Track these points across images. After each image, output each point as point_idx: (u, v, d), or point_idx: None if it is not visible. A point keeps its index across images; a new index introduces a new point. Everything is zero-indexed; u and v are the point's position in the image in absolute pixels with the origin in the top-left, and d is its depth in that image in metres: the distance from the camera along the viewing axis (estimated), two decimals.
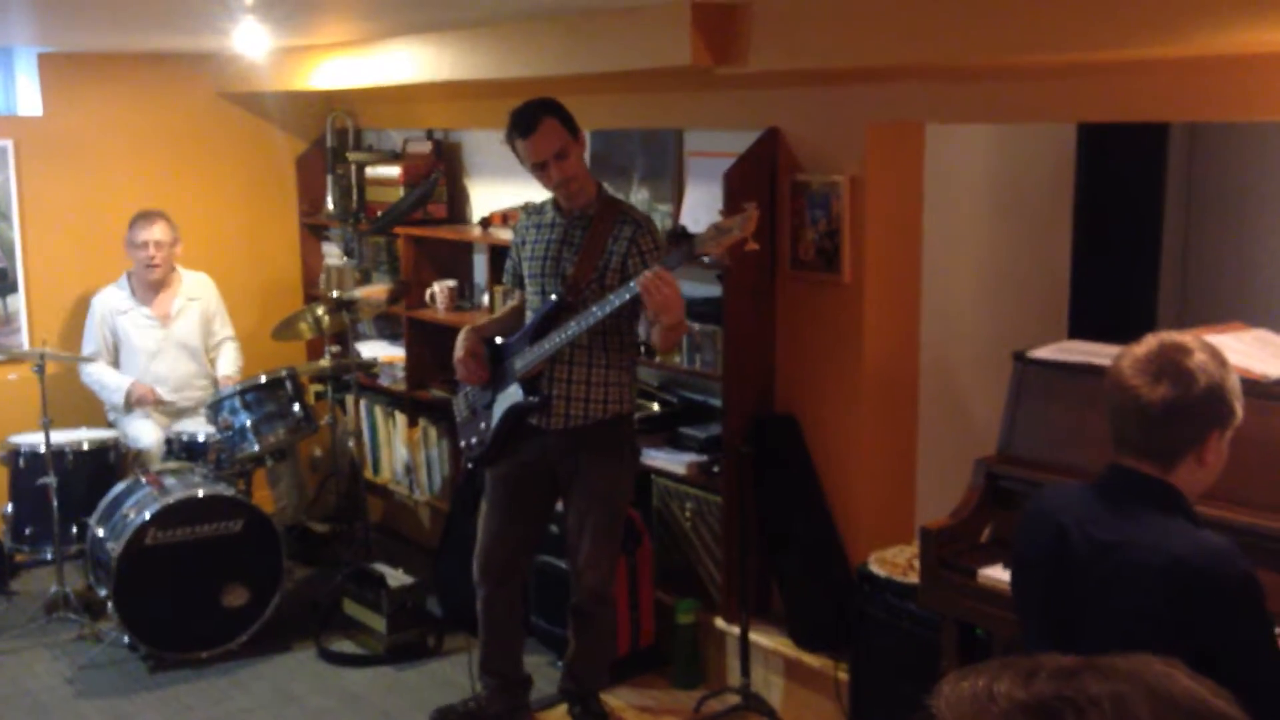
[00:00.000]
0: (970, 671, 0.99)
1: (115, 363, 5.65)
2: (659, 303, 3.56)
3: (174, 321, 5.69)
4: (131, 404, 5.51)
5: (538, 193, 4.36)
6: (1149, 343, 2.25)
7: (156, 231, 5.55)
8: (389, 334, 6.40)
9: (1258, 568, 2.20)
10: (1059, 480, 2.67)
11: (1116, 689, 0.94)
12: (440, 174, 5.94)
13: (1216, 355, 2.22)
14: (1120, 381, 2.23)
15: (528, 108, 3.83)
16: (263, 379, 5.10)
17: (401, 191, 5.87)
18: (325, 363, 5.43)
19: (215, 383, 5.70)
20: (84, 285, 5.86)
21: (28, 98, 6.09)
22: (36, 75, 5.99)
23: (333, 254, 6.62)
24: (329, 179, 6.43)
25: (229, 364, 5.82)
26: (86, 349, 5.62)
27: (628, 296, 3.68)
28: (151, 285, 5.66)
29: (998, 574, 3.14)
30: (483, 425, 4.04)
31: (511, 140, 3.86)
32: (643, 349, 4.26)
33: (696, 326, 4.37)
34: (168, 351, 5.65)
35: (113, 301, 5.65)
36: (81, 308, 5.80)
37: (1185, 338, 2.25)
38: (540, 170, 3.85)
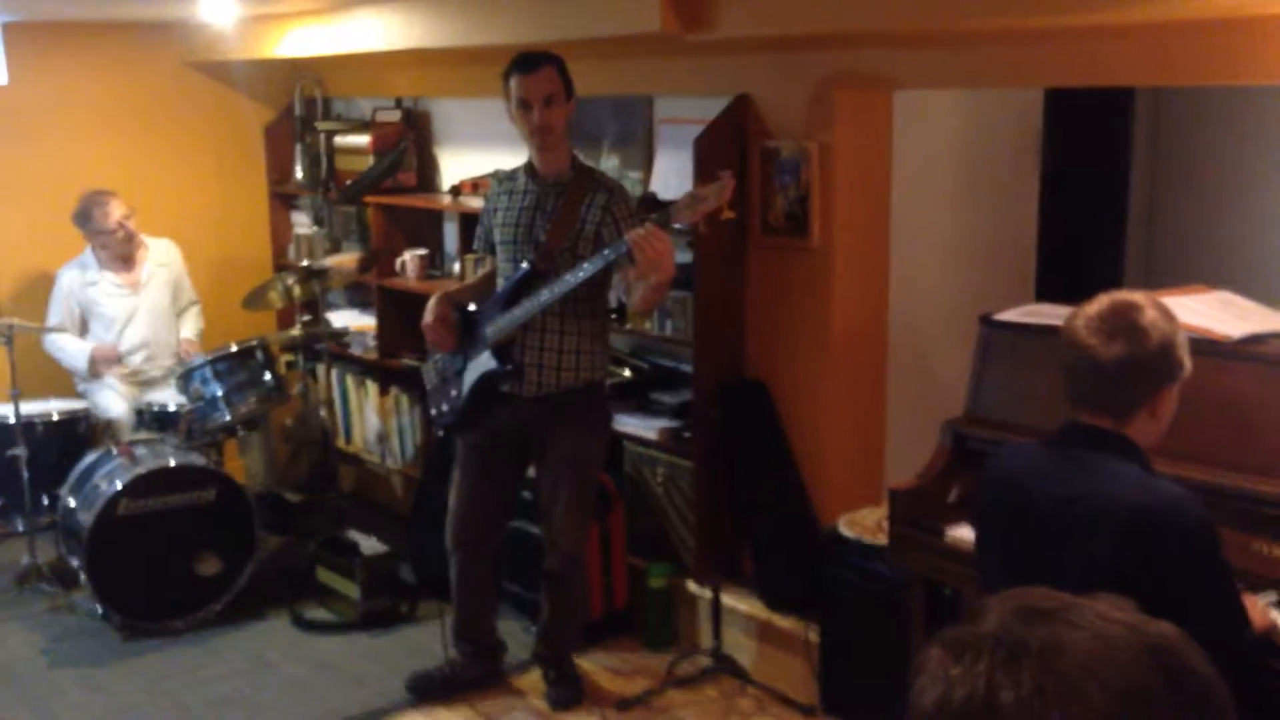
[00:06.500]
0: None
1: (81, 336, 5.61)
2: (651, 259, 3.53)
3: (144, 288, 5.66)
4: (97, 368, 5.49)
5: (507, 159, 4.36)
6: (1100, 301, 2.28)
7: (119, 209, 5.50)
8: (360, 303, 6.39)
9: (1219, 525, 2.25)
10: (1024, 440, 2.71)
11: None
12: (409, 142, 5.92)
13: (1165, 311, 2.27)
14: (1075, 340, 2.27)
15: (534, 52, 3.85)
16: (233, 348, 5.09)
17: (371, 160, 5.84)
18: (296, 332, 5.42)
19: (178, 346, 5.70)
20: (51, 255, 5.81)
21: None
22: (1, 44, 5.92)
23: (302, 223, 6.59)
24: (298, 148, 6.39)
25: (190, 327, 5.81)
26: (52, 321, 5.58)
27: (601, 264, 3.69)
28: (124, 256, 5.62)
29: (965, 533, 3.18)
30: (453, 392, 4.05)
31: (507, 76, 3.84)
32: (614, 315, 4.27)
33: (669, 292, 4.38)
34: (140, 318, 5.62)
35: (80, 274, 5.60)
36: (48, 278, 5.74)
37: (1135, 295, 2.29)
38: (524, 110, 3.83)
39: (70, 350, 5.52)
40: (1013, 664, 0.97)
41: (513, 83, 3.83)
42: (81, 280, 5.59)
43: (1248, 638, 2.29)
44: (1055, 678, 0.96)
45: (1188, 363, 2.28)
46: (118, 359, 5.53)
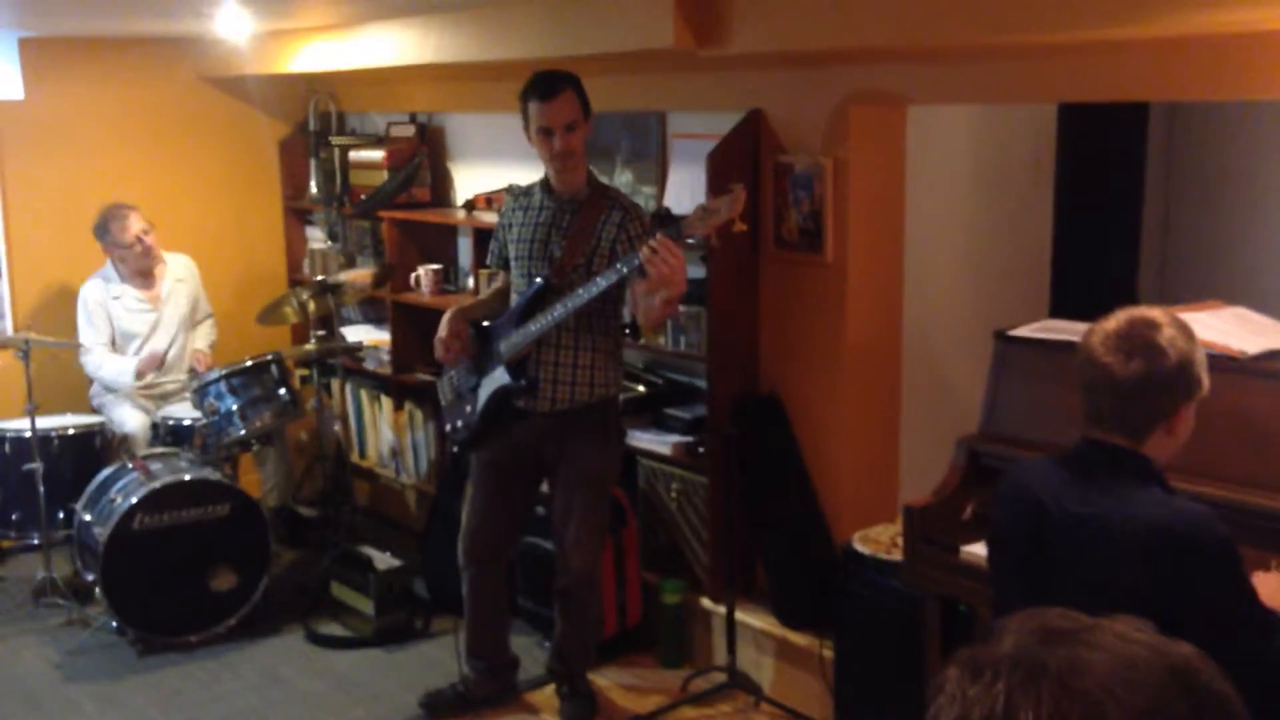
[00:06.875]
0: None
1: (112, 348, 5.61)
2: (663, 273, 3.50)
3: (165, 304, 5.67)
4: (141, 375, 5.50)
5: (521, 174, 4.37)
6: (1119, 318, 2.27)
7: (138, 223, 5.52)
8: (374, 318, 6.41)
9: (1237, 543, 2.23)
10: (1039, 457, 2.70)
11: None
12: (423, 157, 5.94)
13: (1184, 328, 2.26)
14: (1092, 357, 2.26)
15: (552, 74, 3.83)
16: (248, 363, 5.10)
17: (385, 175, 5.87)
18: (311, 347, 5.43)
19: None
20: (68, 270, 5.85)
21: (8, 82, 6.06)
22: (17, 59, 5.96)
23: (317, 238, 6.62)
24: (312, 163, 6.42)
25: (203, 339, 5.83)
26: (86, 338, 5.56)
27: (614, 279, 3.68)
28: (143, 271, 5.64)
29: (980, 550, 3.16)
30: (468, 408, 4.05)
31: (526, 100, 3.82)
32: (628, 331, 4.27)
33: (681, 308, 4.38)
34: (161, 333, 5.63)
35: (104, 287, 5.61)
36: (65, 292, 5.78)
37: (1154, 312, 2.28)
38: (545, 136, 3.82)
39: (111, 369, 5.52)
40: (1031, 684, 0.97)
41: (532, 109, 3.81)
42: (105, 293, 5.60)
43: (1275, 650, 2.27)
44: (1074, 699, 0.96)
45: (1206, 381, 2.27)
46: (161, 362, 5.53)
